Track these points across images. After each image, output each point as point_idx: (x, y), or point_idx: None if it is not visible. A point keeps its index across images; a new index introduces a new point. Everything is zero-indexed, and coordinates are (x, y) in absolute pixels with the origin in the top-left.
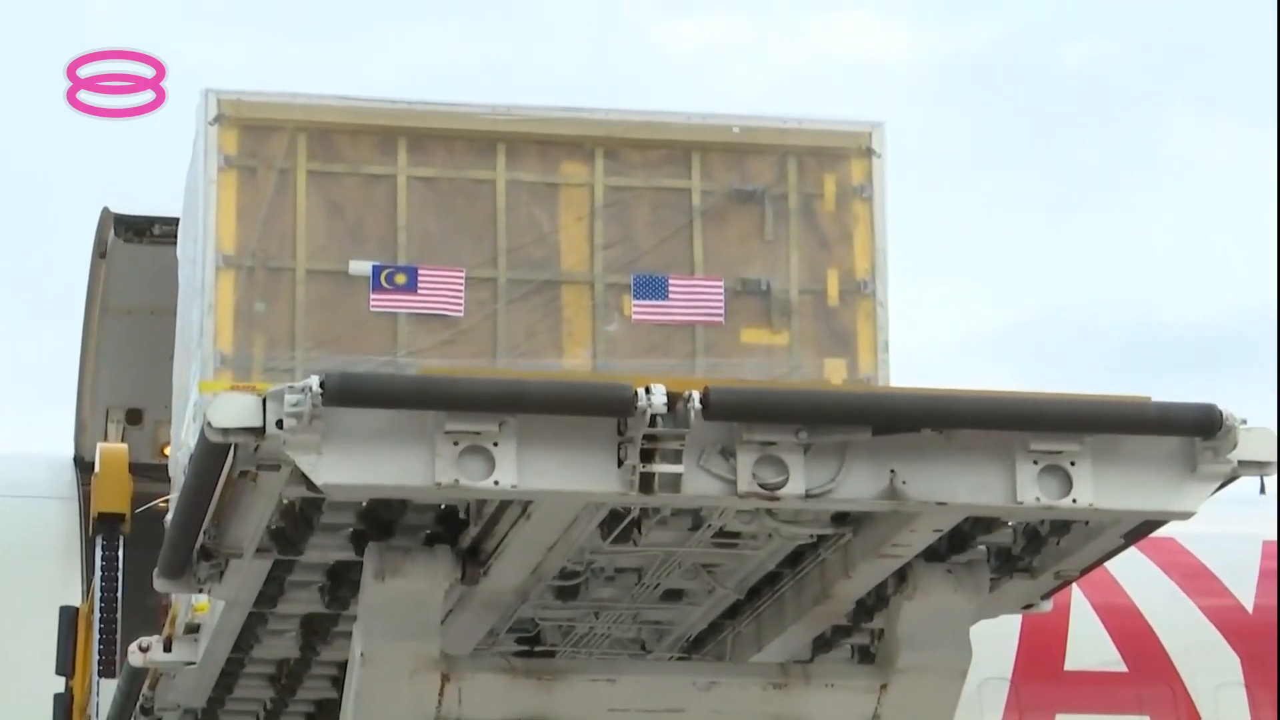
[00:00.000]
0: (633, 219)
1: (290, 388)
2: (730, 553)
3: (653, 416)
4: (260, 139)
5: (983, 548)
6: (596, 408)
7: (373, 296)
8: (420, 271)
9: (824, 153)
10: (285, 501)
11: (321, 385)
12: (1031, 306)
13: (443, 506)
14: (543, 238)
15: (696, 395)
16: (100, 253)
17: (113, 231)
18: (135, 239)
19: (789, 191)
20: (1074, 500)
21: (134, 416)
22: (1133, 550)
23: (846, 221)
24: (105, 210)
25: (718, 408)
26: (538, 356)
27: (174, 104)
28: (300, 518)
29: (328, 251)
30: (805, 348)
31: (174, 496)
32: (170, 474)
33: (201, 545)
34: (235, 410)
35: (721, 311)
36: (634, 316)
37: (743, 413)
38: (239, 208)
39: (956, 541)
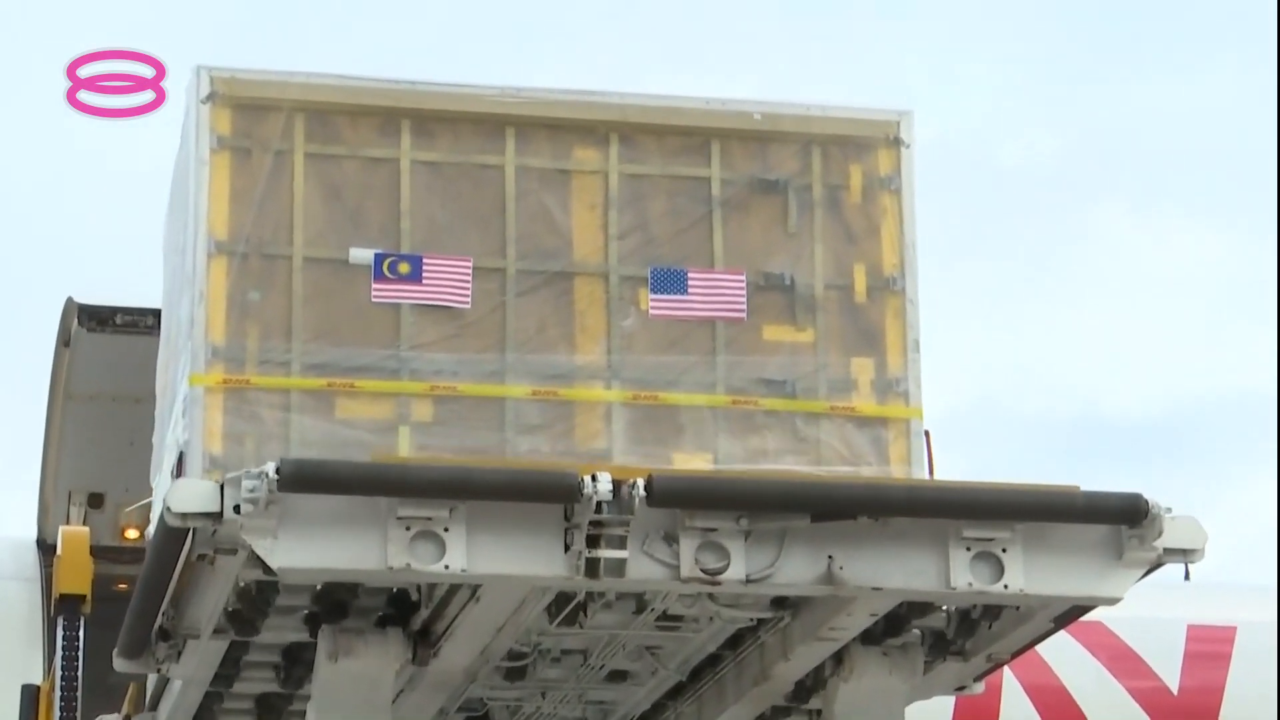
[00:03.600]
0: (649, 208)
1: (247, 473)
2: (673, 635)
3: (598, 503)
4: (255, 119)
5: (917, 631)
6: (544, 494)
7: (374, 286)
8: (425, 260)
9: (850, 142)
10: (242, 584)
11: (277, 471)
12: (970, 395)
13: (394, 589)
14: (554, 227)
15: (641, 483)
16: (64, 341)
17: (76, 320)
18: (98, 328)
19: (813, 182)
20: (1005, 586)
21: (95, 500)
22: (1062, 633)
23: (874, 214)
24: (69, 300)
25: (661, 495)
26: (549, 352)
27: (174, 104)
28: (256, 600)
29: (326, 238)
30: (831, 346)
31: (155, 499)
32: (151, 484)
33: (160, 626)
34: (194, 496)
35: (743, 307)
36: (651, 311)
37: (685, 500)
38: (232, 191)
39: (892, 625)
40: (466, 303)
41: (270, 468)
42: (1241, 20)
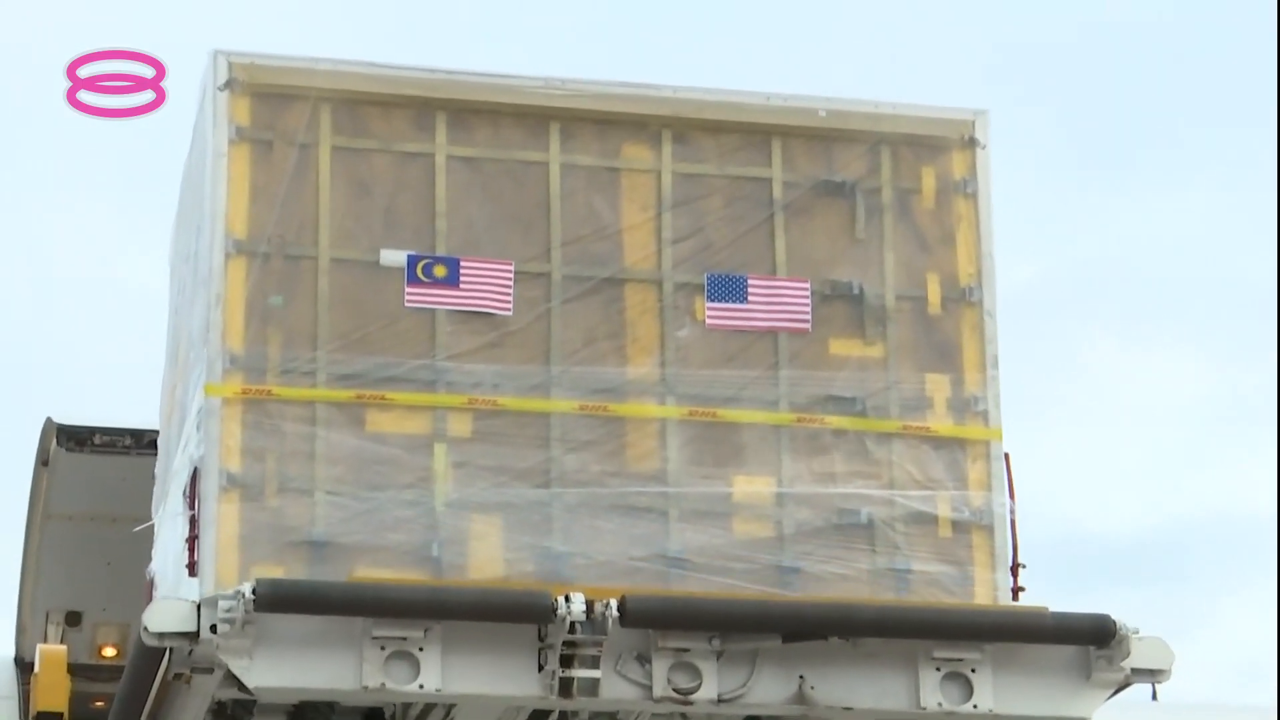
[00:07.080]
0: (706, 211)
1: (223, 595)
2: None
3: (572, 623)
4: (278, 109)
5: None
6: (518, 615)
7: (408, 290)
8: (463, 263)
9: (922, 142)
10: (218, 702)
11: (254, 591)
12: None
13: (369, 708)
14: (603, 229)
15: (614, 603)
16: (43, 461)
17: (55, 440)
18: (76, 448)
19: (883, 185)
20: (975, 706)
21: (73, 619)
22: None
23: (948, 220)
24: (48, 420)
25: (634, 616)
26: (597, 364)
27: (175, 104)
28: (231, 718)
29: (355, 238)
30: (903, 361)
31: (157, 533)
32: (153, 510)
33: None
34: (171, 616)
35: (808, 317)
36: (708, 321)
37: (658, 620)
38: (252, 186)
39: None
40: (508, 309)
41: (246, 588)
42: (1220, 144)
